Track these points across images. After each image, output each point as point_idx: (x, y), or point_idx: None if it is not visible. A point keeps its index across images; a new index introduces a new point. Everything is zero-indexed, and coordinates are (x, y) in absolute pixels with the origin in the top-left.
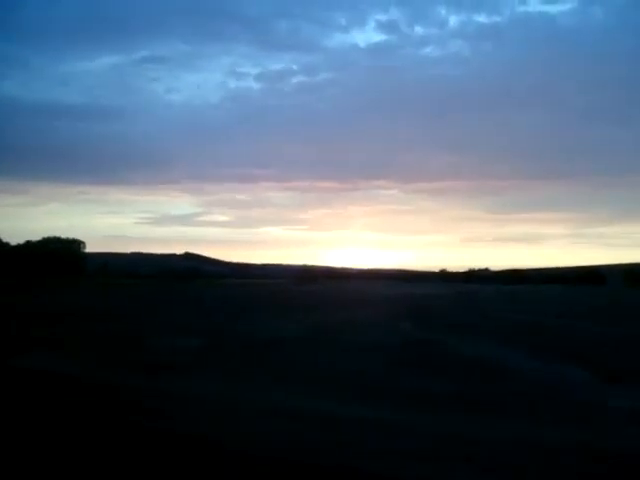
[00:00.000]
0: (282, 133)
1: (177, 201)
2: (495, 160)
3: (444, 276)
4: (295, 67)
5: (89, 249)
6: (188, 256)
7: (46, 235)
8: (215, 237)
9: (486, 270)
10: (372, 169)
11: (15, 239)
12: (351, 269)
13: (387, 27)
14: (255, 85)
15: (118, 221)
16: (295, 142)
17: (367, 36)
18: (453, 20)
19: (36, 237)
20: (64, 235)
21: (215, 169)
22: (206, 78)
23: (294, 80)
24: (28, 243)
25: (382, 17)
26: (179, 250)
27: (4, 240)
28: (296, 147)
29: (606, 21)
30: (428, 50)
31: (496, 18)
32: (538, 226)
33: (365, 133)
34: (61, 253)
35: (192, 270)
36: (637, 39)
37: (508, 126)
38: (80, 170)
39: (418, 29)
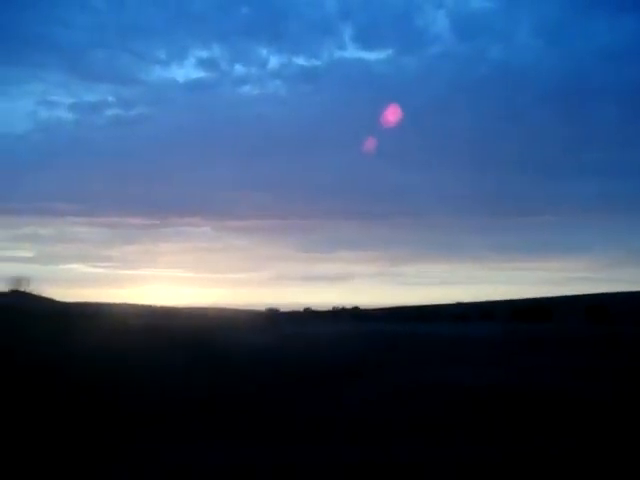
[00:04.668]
0: (93, 167)
1: None
2: (306, 200)
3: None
4: (110, 99)
5: None
6: (17, 294)
7: None
8: (19, 273)
9: (357, 309)
10: (184, 206)
11: None
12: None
13: (207, 64)
14: (67, 115)
15: None
16: (106, 177)
17: (186, 72)
18: (273, 61)
19: None
20: None
21: (19, 202)
22: (15, 106)
23: (109, 112)
24: None
25: (203, 54)
26: None
27: None
28: (107, 182)
29: (418, 71)
30: (246, 89)
31: (315, 61)
32: (346, 265)
33: (178, 170)
34: None
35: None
36: (446, 90)
37: (320, 167)
38: None
39: (238, 67)
